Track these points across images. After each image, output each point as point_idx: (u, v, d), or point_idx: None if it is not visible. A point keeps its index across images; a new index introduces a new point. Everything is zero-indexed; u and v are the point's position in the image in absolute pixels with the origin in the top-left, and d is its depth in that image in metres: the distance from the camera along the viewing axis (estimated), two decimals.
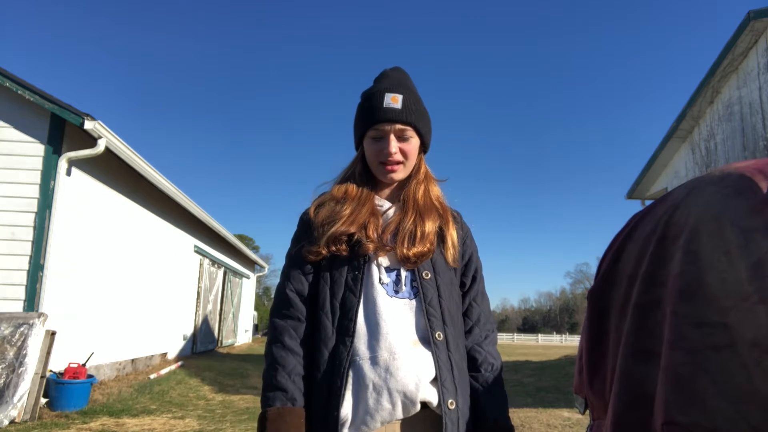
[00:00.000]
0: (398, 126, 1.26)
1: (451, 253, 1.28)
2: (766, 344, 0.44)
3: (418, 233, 1.23)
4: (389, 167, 1.28)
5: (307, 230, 1.28)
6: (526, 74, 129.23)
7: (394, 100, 1.27)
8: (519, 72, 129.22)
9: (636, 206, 12.08)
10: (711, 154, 8.61)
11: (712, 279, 0.48)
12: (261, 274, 23.06)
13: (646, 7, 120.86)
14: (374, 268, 1.22)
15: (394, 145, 1.26)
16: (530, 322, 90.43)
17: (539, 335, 63.11)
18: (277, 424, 1.10)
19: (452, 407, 1.14)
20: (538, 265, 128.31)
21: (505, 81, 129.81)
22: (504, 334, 63.74)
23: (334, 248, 1.22)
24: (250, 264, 20.85)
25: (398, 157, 1.28)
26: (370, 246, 1.21)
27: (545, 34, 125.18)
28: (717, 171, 0.60)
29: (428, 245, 1.23)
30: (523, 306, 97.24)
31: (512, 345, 39.64)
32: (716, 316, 0.47)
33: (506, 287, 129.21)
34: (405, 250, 1.21)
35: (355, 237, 1.23)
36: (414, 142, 1.30)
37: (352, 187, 1.31)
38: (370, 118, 1.28)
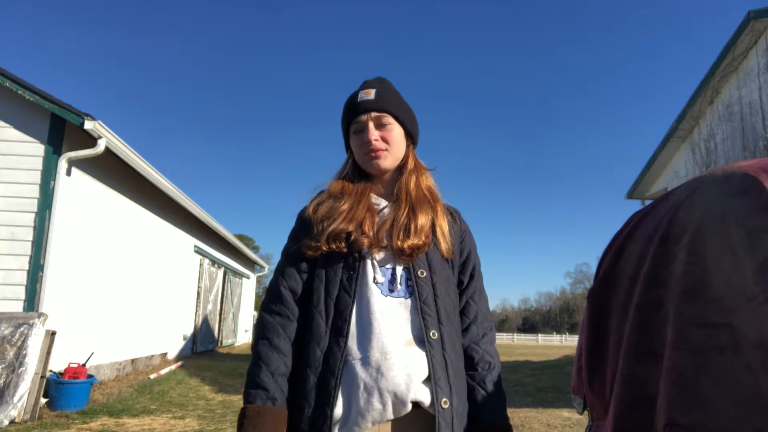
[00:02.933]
0: (374, 114, 1.30)
1: (443, 245, 1.28)
2: None
3: (412, 226, 1.24)
4: (373, 154, 1.30)
5: (306, 227, 1.29)
6: (528, 75, 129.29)
7: (367, 94, 1.32)
8: (521, 72, 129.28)
9: (636, 206, 12.07)
10: (711, 154, 8.61)
11: (717, 279, 0.47)
12: (261, 274, 23.05)
13: (646, 7, 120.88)
14: (369, 267, 1.22)
15: (373, 132, 1.30)
16: (530, 322, 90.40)
17: (539, 335, 63.01)
18: (255, 422, 1.11)
19: (446, 406, 1.13)
20: (538, 265, 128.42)
21: (507, 81, 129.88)
22: (504, 334, 63.67)
23: (334, 245, 1.22)
24: (250, 264, 20.85)
25: (379, 144, 1.30)
26: (365, 241, 1.22)
27: (545, 34, 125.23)
28: (719, 170, 0.59)
29: (423, 238, 1.24)
30: (523, 306, 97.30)
31: (512, 345, 39.60)
32: (721, 317, 0.46)
33: (506, 287, 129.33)
34: (400, 243, 1.22)
35: (353, 236, 1.23)
36: (396, 129, 1.33)
37: (349, 183, 1.33)
38: (349, 115, 1.33)
